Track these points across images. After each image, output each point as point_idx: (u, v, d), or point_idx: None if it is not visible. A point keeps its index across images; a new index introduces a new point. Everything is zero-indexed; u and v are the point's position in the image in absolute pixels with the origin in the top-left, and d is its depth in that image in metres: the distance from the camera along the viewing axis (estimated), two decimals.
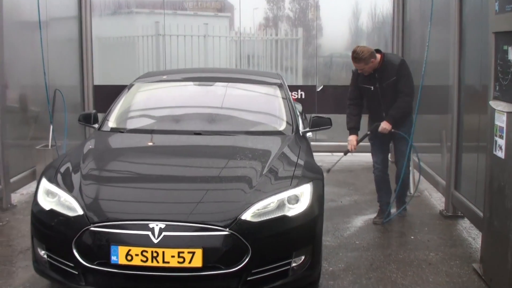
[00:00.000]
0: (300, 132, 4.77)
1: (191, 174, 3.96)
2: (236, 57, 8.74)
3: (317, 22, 8.68)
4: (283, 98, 5.06)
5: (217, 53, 8.87)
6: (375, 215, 5.66)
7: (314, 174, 3.98)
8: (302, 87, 8.38)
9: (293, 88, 7.86)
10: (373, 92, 5.18)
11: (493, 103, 4.03)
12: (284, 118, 4.86)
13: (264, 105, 5.01)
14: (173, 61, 8.69)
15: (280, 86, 5.26)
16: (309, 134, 5.03)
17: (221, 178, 3.86)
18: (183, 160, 4.20)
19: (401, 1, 8.30)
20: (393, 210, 5.64)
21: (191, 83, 5.42)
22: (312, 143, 5.45)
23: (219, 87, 5.30)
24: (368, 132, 5.28)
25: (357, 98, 5.31)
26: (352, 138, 5.26)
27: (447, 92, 5.77)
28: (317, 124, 4.88)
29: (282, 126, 4.79)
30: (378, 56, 5.05)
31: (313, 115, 4.95)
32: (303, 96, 8.23)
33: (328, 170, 5.32)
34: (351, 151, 5.27)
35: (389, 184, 5.57)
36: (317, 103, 8.22)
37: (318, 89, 8.33)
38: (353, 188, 6.91)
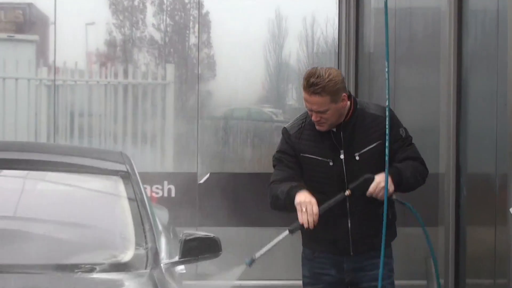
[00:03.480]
0: (162, 265, 3.94)
1: None
2: (49, 116, 7.27)
3: (205, 51, 7.33)
4: (129, 199, 4.37)
5: (11, 108, 7.35)
6: None
7: None
8: (171, 176, 7.11)
9: (154, 178, 6.91)
10: (332, 169, 4.09)
11: None
12: (131, 239, 4.08)
13: (91, 215, 4.34)
14: None
15: (125, 177, 4.56)
16: (180, 269, 4.31)
17: None
18: None
19: (352, 20, 7.27)
20: None
21: None
22: (188, 283, 4.80)
23: (7, 178, 4.64)
24: (347, 193, 4.04)
25: (291, 180, 4.10)
26: (310, 200, 3.91)
27: (437, 188, 5.38)
28: (195, 250, 4.02)
29: (126, 255, 3.97)
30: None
31: (186, 232, 4.07)
32: (173, 194, 6.97)
33: (252, 262, 4.10)
34: (306, 228, 3.91)
35: None
36: (199, 207, 6.94)
37: (202, 180, 7.06)
38: None
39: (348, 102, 4.09)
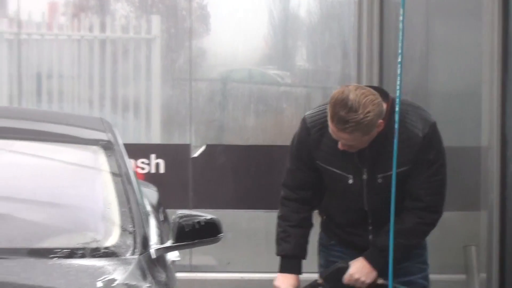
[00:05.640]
0: (152, 251, 3.75)
1: None
2: (12, 77, 6.66)
3: (197, 0, 6.77)
4: (112, 173, 4.15)
5: None
6: None
7: None
8: (159, 149, 6.51)
9: (139, 151, 6.25)
10: (352, 188, 3.98)
11: None
12: (115, 219, 3.88)
13: (69, 191, 4.08)
14: None
15: (108, 147, 4.31)
16: (174, 256, 4.15)
17: None
18: None
19: None
20: None
21: None
22: (180, 274, 4.44)
23: None
24: (319, 281, 4.07)
25: (303, 190, 4.04)
26: (284, 283, 3.96)
27: (478, 165, 5.33)
28: (190, 233, 3.80)
29: (109, 239, 3.76)
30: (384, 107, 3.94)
31: (181, 212, 3.79)
32: (162, 169, 6.38)
33: None
34: None
35: None
36: (192, 186, 6.44)
37: (196, 154, 6.50)
38: None
39: (384, 107, 3.87)
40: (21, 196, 4.02)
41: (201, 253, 6.47)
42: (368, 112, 3.70)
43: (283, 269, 4.02)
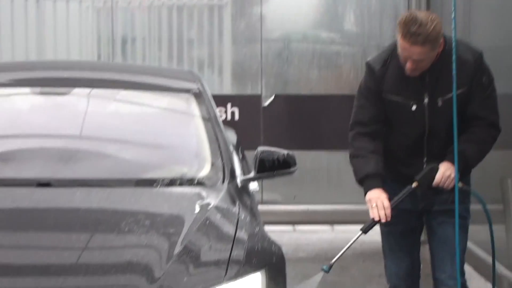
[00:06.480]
0: (238, 180, 4.12)
1: (31, 262, 3.35)
2: (102, 40, 7.31)
3: None
4: (203, 118, 4.43)
5: (63, 32, 7.33)
6: None
7: (268, 256, 3.47)
8: (234, 99, 7.12)
9: (217, 100, 5.90)
10: (414, 114, 4.01)
11: None
12: (207, 155, 4.20)
13: (167, 132, 4.45)
14: None
15: (198, 95, 4.59)
16: (254, 187, 4.37)
17: (91, 267, 3.28)
18: (16, 237, 3.55)
19: None
20: None
21: (26, 89, 4.73)
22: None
23: (81, 97, 4.63)
24: (414, 185, 3.98)
25: (375, 123, 4.05)
26: (380, 195, 3.91)
27: None
28: (270, 166, 4.12)
29: (203, 170, 4.10)
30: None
31: (261, 148, 4.16)
32: (236, 117, 7.03)
33: (329, 268, 3.99)
34: (380, 222, 3.93)
35: None
36: (263, 130, 6.98)
37: (266, 103, 7.07)
38: None
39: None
40: (128, 137, 4.44)
41: (271, 190, 6.96)
42: (435, 24, 3.87)
43: (370, 187, 4.06)
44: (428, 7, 6.74)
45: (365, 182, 4.00)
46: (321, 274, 4.00)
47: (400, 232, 4.18)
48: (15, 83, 4.92)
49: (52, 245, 3.54)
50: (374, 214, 3.97)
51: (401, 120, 4.07)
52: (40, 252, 3.48)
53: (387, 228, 4.16)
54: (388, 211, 3.94)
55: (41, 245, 3.53)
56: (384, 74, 4.05)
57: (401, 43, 3.81)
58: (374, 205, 3.97)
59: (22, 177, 4.09)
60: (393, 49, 3.98)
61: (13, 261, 3.39)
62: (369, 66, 4.05)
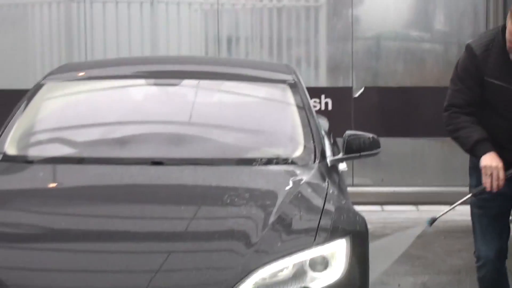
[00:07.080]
0: (328, 160, 4.32)
1: (146, 229, 3.65)
2: (209, 39, 7.73)
3: None
4: (298, 106, 4.65)
5: (174, 32, 7.73)
6: None
7: (352, 225, 3.63)
8: (327, 91, 7.40)
9: (312, 92, 6.38)
10: None
11: None
12: (301, 138, 4.42)
13: (265, 118, 4.69)
14: (97, 45, 7.71)
15: (293, 86, 4.81)
16: (343, 167, 4.61)
17: (198, 234, 3.56)
18: (133, 208, 3.85)
19: None
20: None
21: (142, 81, 5.08)
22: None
23: (189, 88, 4.91)
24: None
25: (471, 106, 3.88)
26: (497, 165, 3.73)
27: None
28: (357, 148, 4.29)
29: (296, 151, 4.33)
30: None
31: (348, 132, 4.37)
32: (330, 106, 7.27)
33: (432, 221, 4.00)
34: (492, 190, 3.76)
35: None
36: (354, 119, 7.22)
37: (357, 94, 7.38)
38: (420, 263, 5.82)
39: None
40: (230, 122, 4.71)
41: (361, 174, 7.23)
42: None
43: (484, 151, 3.89)
44: (505, 6, 6.78)
45: (476, 147, 3.86)
46: (422, 227, 4.04)
47: (494, 215, 4.06)
48: (132, 75, 5.26)
49: (165, 215, 3.84)
50: (487, 183, 3.84)
51: (503, 104, 3.96)
52: (154, 221, 3.77)
53: (481, 210, 4.07)
54: (502, 183, 3.82)
55: (155, 215, 3.83)
56: (487, 58, 3.92)
57: (510, 28, 3.71)
58: (489, 173, 3.84)
59: (138, 157, 4.39)
60: (495, 34, 3.89)
61: (131, 229, 3.71)
62: (471, 50, 3.90)
